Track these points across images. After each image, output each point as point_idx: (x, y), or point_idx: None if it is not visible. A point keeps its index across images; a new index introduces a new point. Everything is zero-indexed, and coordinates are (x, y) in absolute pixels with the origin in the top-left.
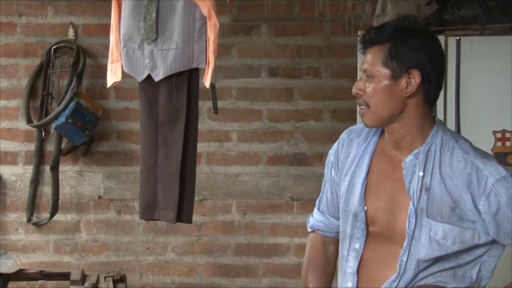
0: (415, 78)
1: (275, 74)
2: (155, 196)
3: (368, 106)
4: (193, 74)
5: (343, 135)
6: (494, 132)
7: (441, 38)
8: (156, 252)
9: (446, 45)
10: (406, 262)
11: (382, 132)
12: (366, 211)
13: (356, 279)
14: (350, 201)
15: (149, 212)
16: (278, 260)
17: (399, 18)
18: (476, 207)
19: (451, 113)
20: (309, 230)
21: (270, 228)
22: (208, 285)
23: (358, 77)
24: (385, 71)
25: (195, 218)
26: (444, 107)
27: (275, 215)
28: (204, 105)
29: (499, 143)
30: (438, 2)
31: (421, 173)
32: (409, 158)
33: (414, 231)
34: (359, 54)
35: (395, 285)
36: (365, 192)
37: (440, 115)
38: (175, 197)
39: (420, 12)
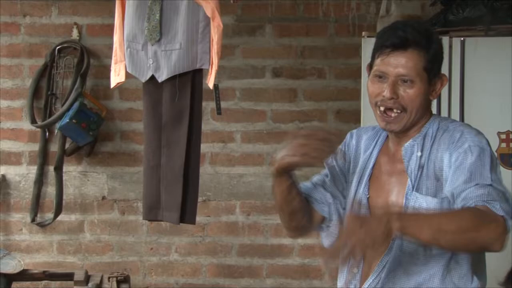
0: (444, 81)
1: (279, 74)
2: (158, 196)
3: (404, 110)
4: (197, 75)
5: (351, 132)
6: (499, 133)
7: (446, 39)
8: (159, 252)
9: (450, 46)
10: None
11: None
12: (368, 199)
13: (361, 265)
14: (356, 189)
15: (152, 212)
16: (282, 261)
17: (412, 20)
18: (450, 161)
19: (455, 114)
20: None
21: (274, 229)
22: (211, 286)
23: (368, 78)
24: (425, 76)
25: (198, 218)
26: (448, 108)
27: (278, 215)
28: (208, 106)
29: (503, 144)
30: (443, 3)
31: (419, 153)
32: (408, 142)
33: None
34: (363, 54)
35: (386, 260)
36: (369, 183)
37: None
38: (178, 197)
39: (424, 13)
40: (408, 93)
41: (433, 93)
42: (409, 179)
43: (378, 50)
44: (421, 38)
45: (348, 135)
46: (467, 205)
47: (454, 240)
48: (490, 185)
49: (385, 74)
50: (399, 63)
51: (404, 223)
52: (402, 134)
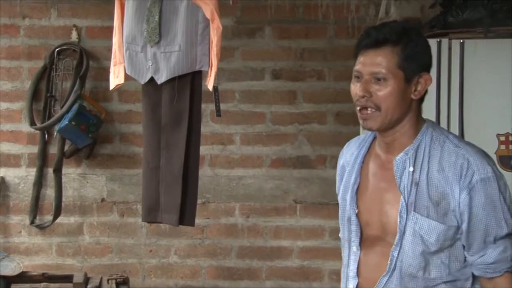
0: (426, 81)
1: (279, 76)
2: (158, 198)
3: (378, 109)
4: (196, 77)
5: (342, 151)
6: (498, 135)
7: (445, 41)
8: (159, 254)
9: (450, 48)
10: (397, 258)
11: (374, 138)
12: (357, 214)
13: (356, 282)
14: (345, 206)
15: (152, 214)
16: (281, 263)
17: (398, 20)
18: (459, 199)
19: (454, 116)
20: None
21: (273, 231)
22: None
23: (354, 79)
24: (400, 74)
25: (198, 220)
26: (447, 110)
27: (278, 218)
28: (207, 108)
29: (502, 146)
30: (442, 5)
31: (411, 168)
32: (400, 155)
33: (405, 226)
34: None
35: (385, 280)
36: (357, 196)
37: (443, 118)
38: (177, 199)
39: (424, 15)
40: (381, 91)
41: (416, 93)
42: (402, 197)
43: (356, 51)
44: (394, 36)
45: (340, 156)
46: (499, 271)
47: None
48: (508, 235)
49: (360, 73)
50: (372, 62)
51: None
52: (389, 139)
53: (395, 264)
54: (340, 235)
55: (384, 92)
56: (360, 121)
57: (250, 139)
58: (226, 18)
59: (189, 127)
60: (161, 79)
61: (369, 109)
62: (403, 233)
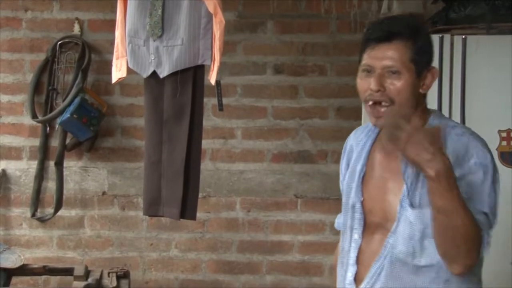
0: (434, 74)
1: (280, 71)
2: (159, 192)
3: (392, 103)
4: (198, 71)
5: (350, 135)
6: (499, 131)
7: (447, 37)
8: (159, 248)
9: (452, 43)
10: (391, 244)
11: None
12: (362, 202)
13: (355, 270)
14: (350, 194)
15: (153, 208)
16: (282, 258)
17: (404, 14)
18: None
19: (456, 112)
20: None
21: (274, 226)
22: (211, 282)
23: (358, 75)
24: (412, 68)
25: (199, 214)
26: (449, 106)
27: (279, 212)
28: (209, 102)
29: (504, 142)
30: (444, 1)
31: None
32: None
33: (402, 214)
34: None
35: (377, 266)
36: (362, 184)
37: (445, 114)
38: (179, 193)
39: (426, 10)
40: (395, 84)
41: (424, 86)
42: (405, 185)
43: (364, 45)
44: (406, 30)
45: (346, 141)
46: None
47: (448, 232)
48: (485, 213)
49: (372, 67)
50: (385, 55)
51: (443, 178)
52: None
53: (388, 250)
54: (336, 224)
55: (398, 85)
56: (372, 119)
57: (252, 133)
58: (228, 12)
59: (191, 121)
60: (163, 73)
61: (383, 103)
62: (399, 221)
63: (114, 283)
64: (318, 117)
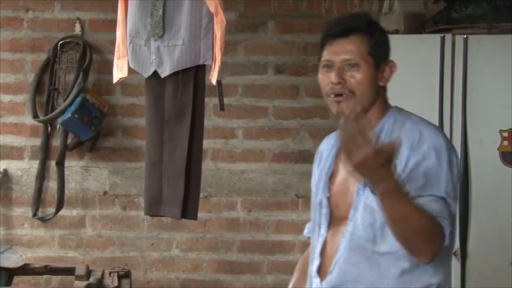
0: (392, 68)
1: (281, 71)
2: (160, 192)
3: (353, 94)
4: (200, 71)
5: (323, 141)
6: (501, 131)
7: (449, 37)
8: (160, 248)
9: (453, 43)
10: (350, 232)
11: None
12: (329, 198)
13: (319, 262)
14: (318, 192)
15: (154, 208)
16: (283, 257)
17: (360, 12)
18: (406, 164)
19: (457, 112)
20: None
21: (275, 225)
22: (212, 282)
23: (318, 72)
24: (370, 60)
25: (200, 214)
26: (450, 106)
27: (280, 212)
28: (210, 102)
29: (505, 142)
30: (446, 0)
31: None
32: None
33: (359, 202)
34: None
35: (339, 255)
36: (329, 182)
37: (446, 114)
38: (180, 193)
39: (427, 10)
40: (355, 76)
41: (383, 79)
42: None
43: (323, 42)
44: (363, 25)
45: (319, 147)
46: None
47: (406, 234)
48: (444, 198)
49: (331, 62)
50: (344, 49)
51: (392, 194)
52: None
53: (347, 238)
54: (305, 231)
55: (358, 77)
56: (333, 107)
57: (253, 133)
58: (229, 12)
59: (192, 121)
60: (164, 72)
61: (344, 95)
62: (356, 208)
63: (116, 283)
64: (319, 117)
